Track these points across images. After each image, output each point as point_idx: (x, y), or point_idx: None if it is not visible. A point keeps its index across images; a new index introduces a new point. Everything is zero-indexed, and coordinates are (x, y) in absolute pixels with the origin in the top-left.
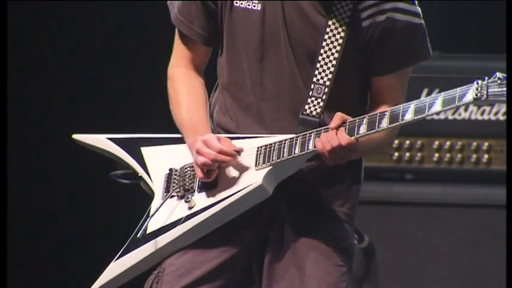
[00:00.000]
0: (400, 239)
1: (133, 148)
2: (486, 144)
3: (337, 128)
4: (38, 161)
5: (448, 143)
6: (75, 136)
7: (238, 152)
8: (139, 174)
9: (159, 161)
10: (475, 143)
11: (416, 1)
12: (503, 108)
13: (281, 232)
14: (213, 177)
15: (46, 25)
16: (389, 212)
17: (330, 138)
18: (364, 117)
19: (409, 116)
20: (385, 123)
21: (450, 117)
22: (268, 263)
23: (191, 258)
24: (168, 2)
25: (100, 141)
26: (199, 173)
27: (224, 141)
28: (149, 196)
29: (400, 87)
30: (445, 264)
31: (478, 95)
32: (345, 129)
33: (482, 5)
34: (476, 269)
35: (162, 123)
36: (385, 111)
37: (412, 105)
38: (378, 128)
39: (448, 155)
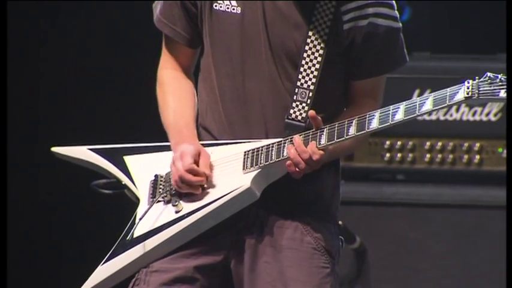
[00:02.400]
0: (392, 240)
1: (116, 157)
2: (478, 145)
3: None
4: (25, 165)
5: (439, 143)
6: (54, 149)
7: (207, 177)
8: (123, 183)
9: (143, 169)
10: (466, 144)
11: (395, 5)
12: (495, 108)
13: (260, 237)
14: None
15: (33, 30)
16: (381, 213)
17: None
18: (353, 119)
19: (399, 117)
20: (375, 124)
21: (442, 118)
22: (249, 269)
23: (168, 261)
24: (153, 5)
25: (81, 152)
26: (173, 183)
27: (203, 158)
28: (134, 202)
29: (380, 91)
30: (436, 265)
31: (469, 93)
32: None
33: (473, 6)
34: (468, 269)
35: (145, 133)
36: (374, 113)
37: (402, 106)
38: (367, 129)
39: (439, 155)
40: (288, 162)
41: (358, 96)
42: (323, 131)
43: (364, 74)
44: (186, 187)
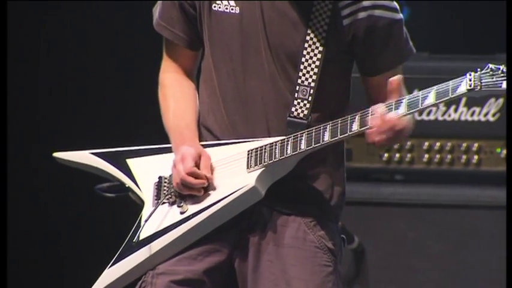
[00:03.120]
0: (390, 240)
1: (118, 161)
2: (476, 145)
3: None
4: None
5: (438, 144)
6: (56, 154)
7: (208, 179)
8: (127, 185)
9: (147, 171)
10: (465, 144)
11: None
12: (493, 109)
13: (263, 235)
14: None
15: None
16: (379, 213)
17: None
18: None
19: (402, 111)
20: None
21: (440, 118)
22: (252, 268)
23: (175, 263)
24: (153, 9)
25: (83, 156)
26: (175, 186)
27: (204, 160)
28: (139, 205)
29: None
30: (435, 265)
31: (472, 85)
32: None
33: (472, 6)
34: (467, 269)
35: (147, 136)
36: (376, 108)
37: (405, 100)
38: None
39: (438, 156)
40: (370, 130)
41: (379, 91)
42: (401, 102)
43: (380, 69)
44: (187, 190)
